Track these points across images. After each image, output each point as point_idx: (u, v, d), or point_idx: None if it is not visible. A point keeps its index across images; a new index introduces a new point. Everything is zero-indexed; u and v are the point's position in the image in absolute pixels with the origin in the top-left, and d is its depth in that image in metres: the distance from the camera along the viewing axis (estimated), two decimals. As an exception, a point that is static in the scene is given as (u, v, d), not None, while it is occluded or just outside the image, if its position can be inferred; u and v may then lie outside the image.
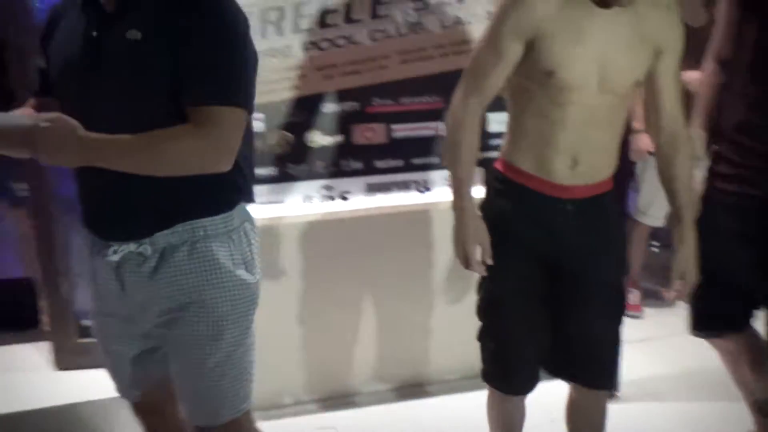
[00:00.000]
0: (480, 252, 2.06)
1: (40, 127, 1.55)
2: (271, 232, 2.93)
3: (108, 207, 1.77)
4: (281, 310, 3.00)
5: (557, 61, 1.93)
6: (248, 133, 1.80)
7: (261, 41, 2.72)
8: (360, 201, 3.00)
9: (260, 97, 2.73)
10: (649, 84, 2.06)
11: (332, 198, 2.97)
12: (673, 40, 2.02)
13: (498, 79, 2.00)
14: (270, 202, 2.91)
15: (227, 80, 1.67)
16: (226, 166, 1.68)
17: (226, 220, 1.80)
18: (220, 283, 1.78)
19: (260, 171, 2.86)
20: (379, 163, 3.00)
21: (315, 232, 2.98)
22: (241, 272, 1.81)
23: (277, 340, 3.01)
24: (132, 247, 1.75)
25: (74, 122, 1.58)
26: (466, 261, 2.07)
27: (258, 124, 2.82)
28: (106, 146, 1.61)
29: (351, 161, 2.98)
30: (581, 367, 2.18)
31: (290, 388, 3.10)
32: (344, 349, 3.15)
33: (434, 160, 3.02)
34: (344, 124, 2.94)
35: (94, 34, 1.71)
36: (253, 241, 1.87)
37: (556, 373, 2.22)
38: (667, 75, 2.05)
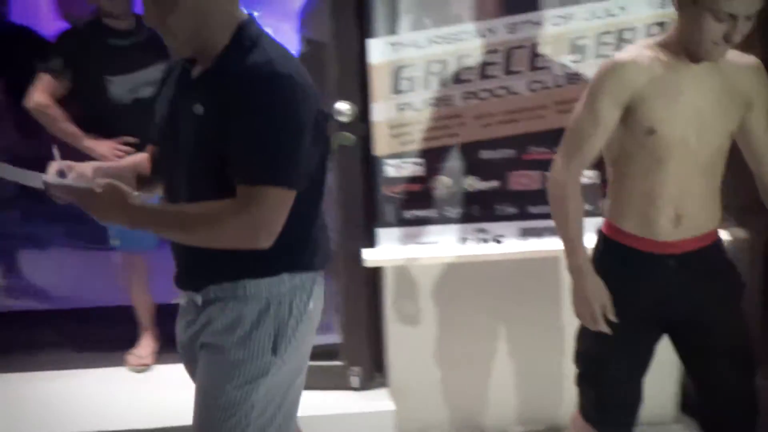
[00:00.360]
0: (602, 309, 2.09)
1: (94, 191, 1.73)
2: (424, 271, 3.08)
3: (177, 260, 1.94)
4: (427, 348, 3.14)
5: (658, 118, 1.99)
6: (312, 203, 1.84)
7: (424, 91, 2.88)
8: (513, 244, 3.05)
9: (421, 144, 2.97)
10: (743, 137, 2.10)
11: (486, 240, 3.05)
12: (761, 93, 2.07)
13: (597, 143, 2.07)
14: (427, 243, 3.02)
15: (273, 160, 1.67)
16: (264, 243, 1.70)
17: (270, 285, 1.82)
18: (236, 343, 1.82)
19: (418, 212, 3.02)
20: (533, 209, 3.04)
21: (466, 272, 3.08)
22: (261, 343, 1.82)
23: (424, 376, 3.16)
24: (191, 295, 1.91)
25: (125, 190, 1.74)
26: (592, 320, 2.10)
27: (418, 168, 2.99)
28: (152, 216, 1.78)
29: (506, 206, 3.05)
30: (716, 419, 2.19)
31: (438, 424, 3.20)
32: (486, 389, 3.22)
33: (587, 207, 3.03)
34: (500, 170, 3.02)
35: (175, 104, 1.85)
36: (296, 313, 1.84)
37: (701, 425, 2.24)
38: (759, 125, 2.09)
